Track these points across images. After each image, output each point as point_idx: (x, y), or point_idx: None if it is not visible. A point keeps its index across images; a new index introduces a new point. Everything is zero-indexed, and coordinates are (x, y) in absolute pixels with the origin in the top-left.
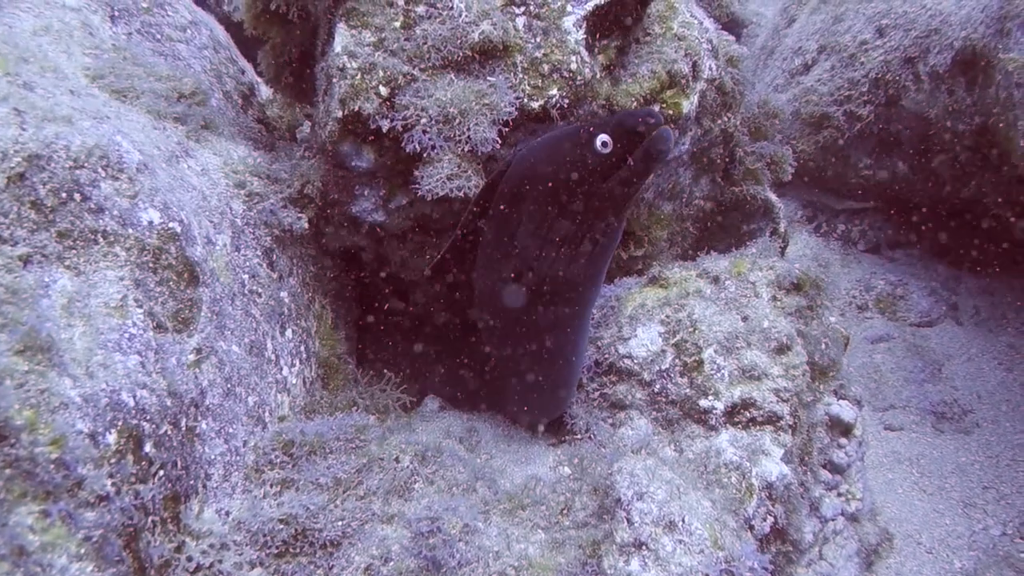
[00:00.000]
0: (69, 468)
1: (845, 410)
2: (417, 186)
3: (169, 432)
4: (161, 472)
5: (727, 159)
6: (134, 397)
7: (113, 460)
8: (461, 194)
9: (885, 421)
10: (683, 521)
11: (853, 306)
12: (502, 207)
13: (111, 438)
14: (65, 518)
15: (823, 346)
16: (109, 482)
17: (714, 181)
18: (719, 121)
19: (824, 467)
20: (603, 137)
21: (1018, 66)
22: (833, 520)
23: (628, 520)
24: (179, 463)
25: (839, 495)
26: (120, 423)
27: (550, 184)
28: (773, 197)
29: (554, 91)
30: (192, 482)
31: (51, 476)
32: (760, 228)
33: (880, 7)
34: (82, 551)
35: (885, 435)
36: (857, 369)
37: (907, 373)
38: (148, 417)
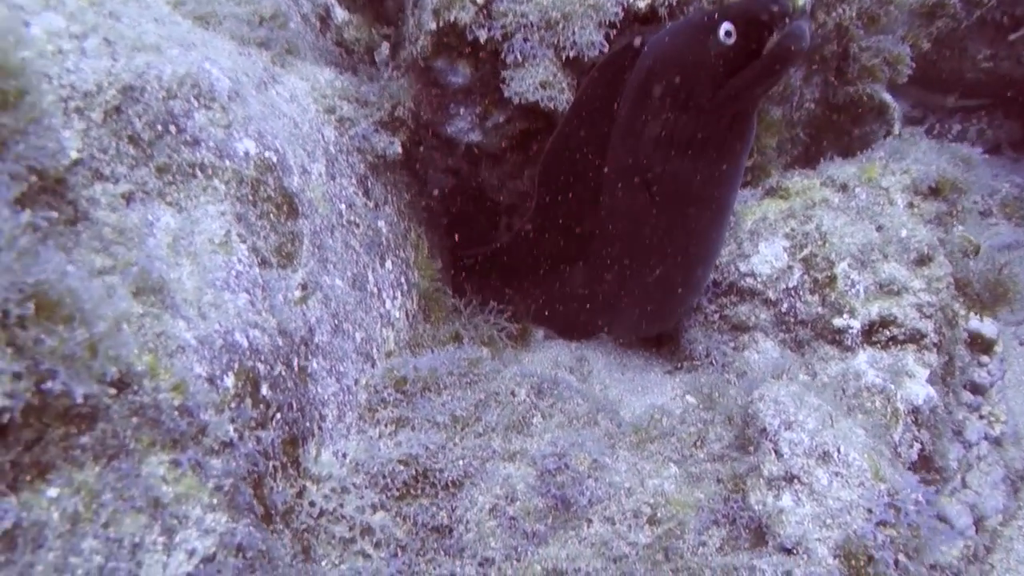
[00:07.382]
0: (192, 414)
1: (986, 325)
2: (505, 87)
3: (283, 373)
4: (278, 415)
5: (840, 56)
6: (247, 337)
7: (233, 404)
8: (551, 105)
9: (1020, 336)
10: (838, 451)
11: (974, 212)
12: (629, 103)
13: (229, 381)
14: (195, 467)
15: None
16: (231, 427)
17: (826, 81)
18: (834, 13)
19: (964, 387)
20: (727, 25)
21: None
22: (976, 445)
23: (776, 451)
24: (294, 405)
25: (980, 417)
26: (236, 365)
27: (667, 79)
28: (888, 97)
29: None
30: (308, 424)
31: (176, 424)
32: (873, 132)
33: None
34: (215, 501)
35: (1022, 351)
36: None
37: None
38: (262, 358)
